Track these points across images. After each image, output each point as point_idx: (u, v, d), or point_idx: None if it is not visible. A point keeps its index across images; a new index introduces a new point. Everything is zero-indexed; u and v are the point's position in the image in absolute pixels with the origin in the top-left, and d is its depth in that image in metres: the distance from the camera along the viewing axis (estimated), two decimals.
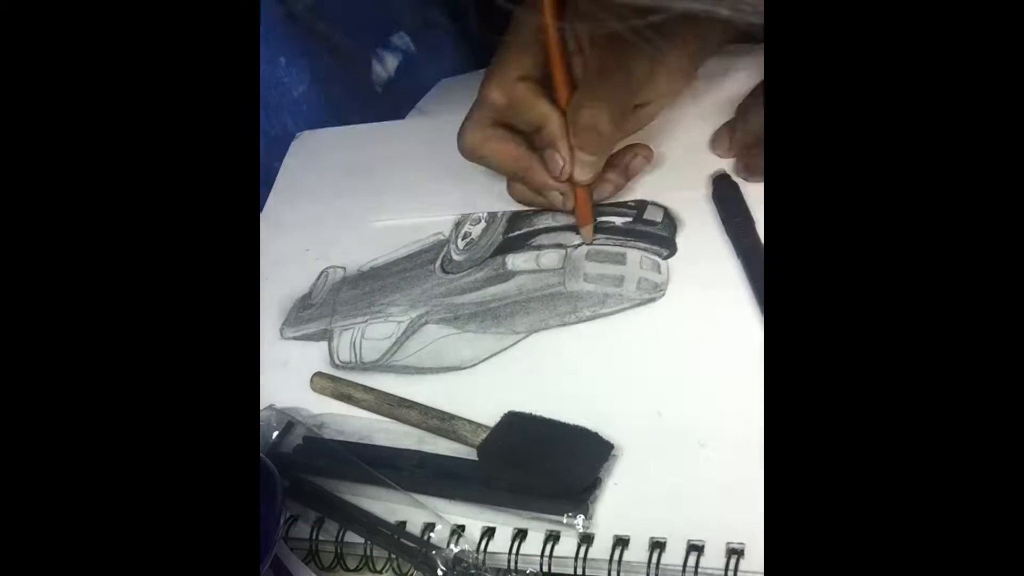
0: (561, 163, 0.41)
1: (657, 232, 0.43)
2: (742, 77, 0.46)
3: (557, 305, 0.42)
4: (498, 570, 0.35)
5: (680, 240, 0.43)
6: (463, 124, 0.42)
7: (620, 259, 0.43)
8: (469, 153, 0.43)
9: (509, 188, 0.45)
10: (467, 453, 0.38)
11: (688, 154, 0.46)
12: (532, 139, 0.42)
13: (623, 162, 0.44)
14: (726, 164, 0.45)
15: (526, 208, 0.46)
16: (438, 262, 0.46)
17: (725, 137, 0.45)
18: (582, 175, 0.42)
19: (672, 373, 0.38)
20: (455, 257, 0.46)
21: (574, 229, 0.45)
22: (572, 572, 0.34)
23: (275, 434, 0.41)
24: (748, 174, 0.43)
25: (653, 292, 0.41)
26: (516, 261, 0.45)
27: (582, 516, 0.34)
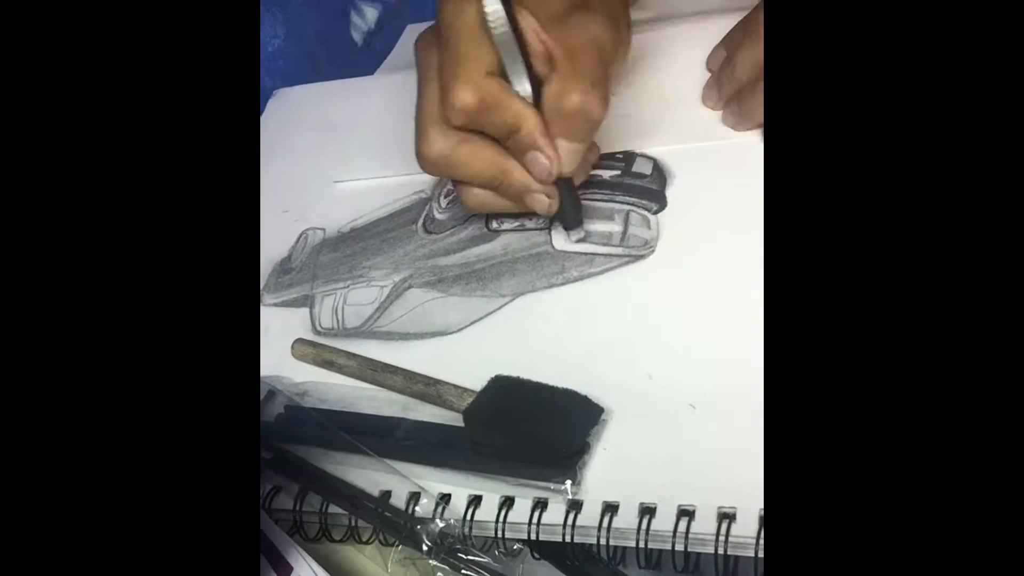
0: (547, 163, 0.37)
1: (646, 185, 0.42)
2: (722, 23, 0.45)
3: (544, 265, 0.42)
4: (486, 539, 0.35)
5: (670, 193, 0.42)
6: (422, 132, 0.38)
7: (608, 215, 0.42)
8: (437, 164, 0.39)
9: (467, 199, 0.40)
10: (453, 420, 0.37)
11: (676, 107, 0.45)
12: (502, 141, 0.38)
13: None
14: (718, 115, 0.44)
15: None
16: (420, 221, 0.46)
17: (713, 89, 0.44)
18: (570, 165, 0.38)
19: (663, 333, 0.38)
20: (437, 216, 0.46)
21: None
22: (560, 539, 0.33)
23: None
24: (739, 120, 0.42)
25: (642, 249, 0.41)
26: (502, 219, 0.44)
27: (570, 482, 0.34)
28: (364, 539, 0.37)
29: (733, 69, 0.42)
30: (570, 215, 0.40)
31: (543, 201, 0.39)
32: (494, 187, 0.39)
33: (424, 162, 0.39)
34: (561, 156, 0.37)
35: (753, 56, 0.41)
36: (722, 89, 0.43)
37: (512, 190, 0.39)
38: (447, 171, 0.39)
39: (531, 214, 0.41)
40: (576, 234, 0.41)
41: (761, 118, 0.41)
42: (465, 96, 0.36)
